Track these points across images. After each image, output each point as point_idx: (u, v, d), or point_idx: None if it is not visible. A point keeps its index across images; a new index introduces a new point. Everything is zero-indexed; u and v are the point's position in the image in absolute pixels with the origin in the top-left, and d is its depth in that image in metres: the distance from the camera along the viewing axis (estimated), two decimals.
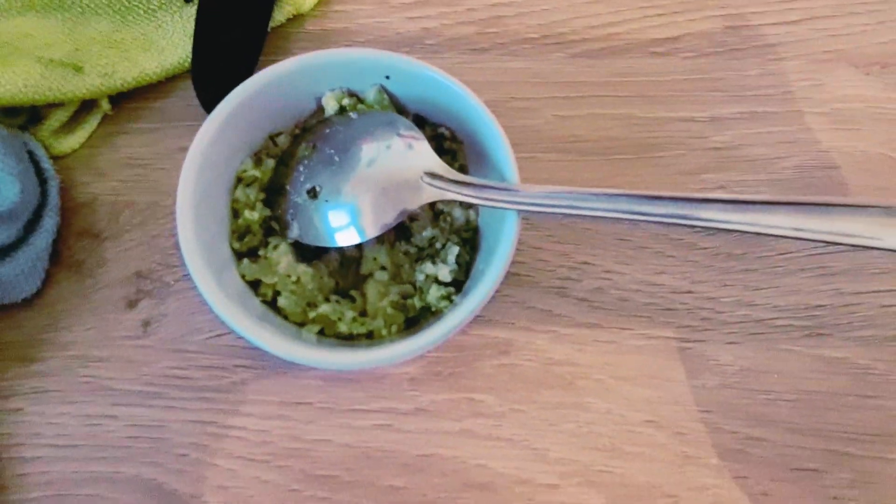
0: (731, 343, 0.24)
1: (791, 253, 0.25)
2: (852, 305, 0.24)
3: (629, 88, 0.27)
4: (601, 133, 0.27)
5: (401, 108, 0.23)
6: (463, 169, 0.23)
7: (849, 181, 0.26)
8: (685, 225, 0.19)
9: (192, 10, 0.26)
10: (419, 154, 0.21)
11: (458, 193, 0.20)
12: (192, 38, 0.26)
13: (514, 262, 0.21)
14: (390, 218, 0.20)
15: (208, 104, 0.24)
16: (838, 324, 0.24)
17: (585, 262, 0.25)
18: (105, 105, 0.26)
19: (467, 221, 0.22)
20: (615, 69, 0.27)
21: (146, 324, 0.24)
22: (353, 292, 0.22)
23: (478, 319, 0.23)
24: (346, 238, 0.21)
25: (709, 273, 0.25)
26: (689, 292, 0.25)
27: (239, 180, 0.22)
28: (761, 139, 0.27)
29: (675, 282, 0.25)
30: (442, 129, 0.23)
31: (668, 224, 0.19)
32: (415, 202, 0.20)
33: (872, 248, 0.18)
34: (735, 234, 0.20)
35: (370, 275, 0.22)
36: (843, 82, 0.28)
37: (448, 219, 0.22)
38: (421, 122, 0.23)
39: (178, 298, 0.24)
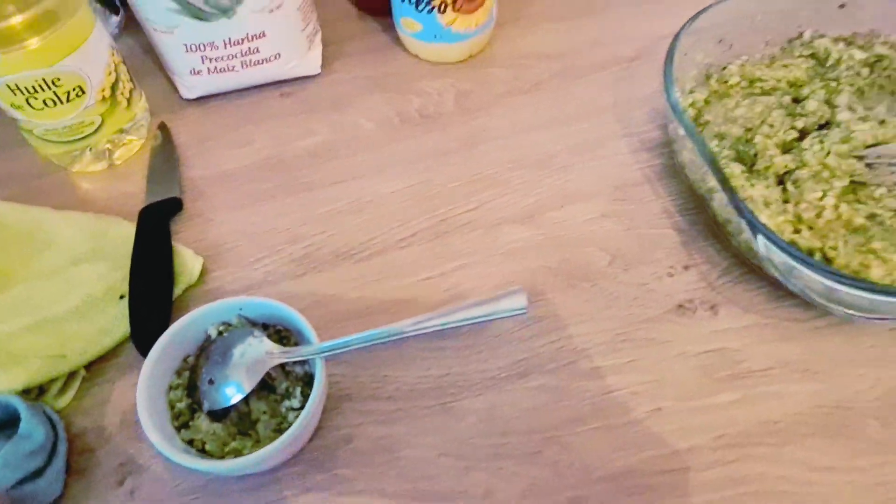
0: (478, 396, 0.41)
1: (500, 335, 0.43)
2: (540, 354, 0.42)
3: (386, 272, 0.46)
4: (372, 301, 0.45)
5: (253, 323, 0.41)
6: (288, 343, 0.41)
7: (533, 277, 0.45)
8: (411, 336, 0.37)
9: (125, 302, 0.44)
10: (265, 344, 0.38)
11: (287, 357, 0.37)
12: (128, 318, 0.43)
13: (338, 384, 0.39)
14: (256, 380, 0.38)
15: (143, 351, 0.41)
16: (535, 365, 0.42)
17: (385, 375, 0.42)
18: (82, 371, 0.43)
19: (305, 372, 0.40)
20: (377, 263, 0.47)
21: (132, 492, 0.39)
22: (250, 432, 0.38)
23: (327, 425, 0.39)
24: (235, 398, 0.37)
25: (456, 360, 0.43)
26: (447, 374, 0.42)
27: (170, 388, 0.39)
28: (467, 276, 0.46)
29: (438, 371, 0.42)
30: (278, 327, 0.41)
31: (408, 336, 0.37)
32: (267, 367, 0.38)
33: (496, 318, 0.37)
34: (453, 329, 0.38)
35: (258, 420, 0.38)
36: (507, 232, 0.48)
37: (292, 373, 0.39)
38: (266, 326, 0.41)
39: (150, 470, 0.39)
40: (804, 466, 0.38)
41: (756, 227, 0.39)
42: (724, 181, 0.41)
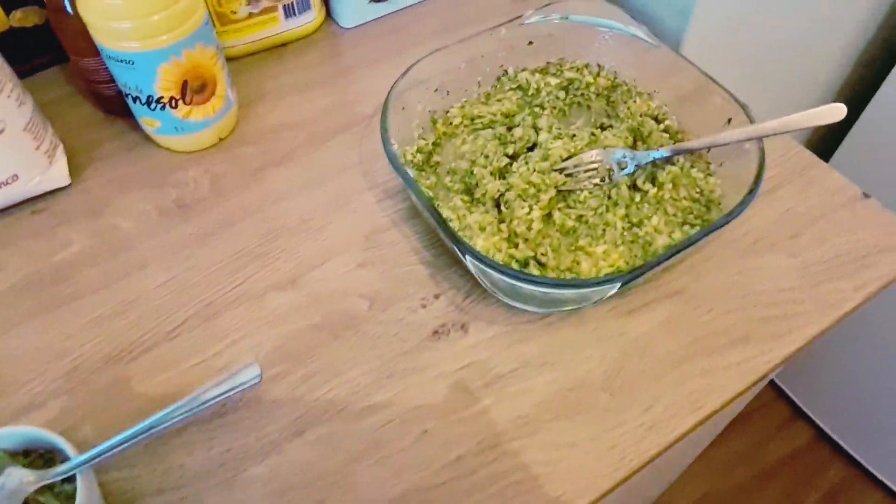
0: (260, 462, 0.43)
1: (276, 399, 0.46)
2: (315, 407, 0.45)
3: (158, 366, 0.48)
4: (145, 400, 0.46)
5: (14, 452, 0.40)
6: (54, 464, 0.41)
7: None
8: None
9: None
10: (19, 472, 0.38)
11: (43, 480, 0.38)
12: None
13: (123, 489, 0.39)
14: None
15: None
16: (311, 419, 0.45)
17: (171, 465, 0.43)
18: None
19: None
20: (148, 360, 0.48)
21: None
22: None
23: None
24: None
25: (236, 433, 0.45)
26: (229, 449, 0.44)
27: None
28: (239, 352, 0.48)
29: (221, 447, 0.44)
30: (41, 451, 0.41)
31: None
32: (24, 495, 0.38)
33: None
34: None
35: None
36: (273, 299, 0.51)
37: (63, 492, 0.39)
38: (28, 452, 0.41)
39: None
40: (552, 447, 0.43)
41: (462, 249, 0.45)
42: (437, 217, 0.47)
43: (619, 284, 0.43)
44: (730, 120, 0.53)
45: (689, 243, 0.45)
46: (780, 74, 0.94)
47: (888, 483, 1.28)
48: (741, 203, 0.47)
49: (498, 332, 0.49)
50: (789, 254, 0.52)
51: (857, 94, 1.06)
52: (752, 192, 0.47)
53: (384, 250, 0.53)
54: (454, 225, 0.50)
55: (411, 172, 0.54)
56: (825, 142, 1.12)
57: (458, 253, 0.45)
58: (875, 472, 1.30)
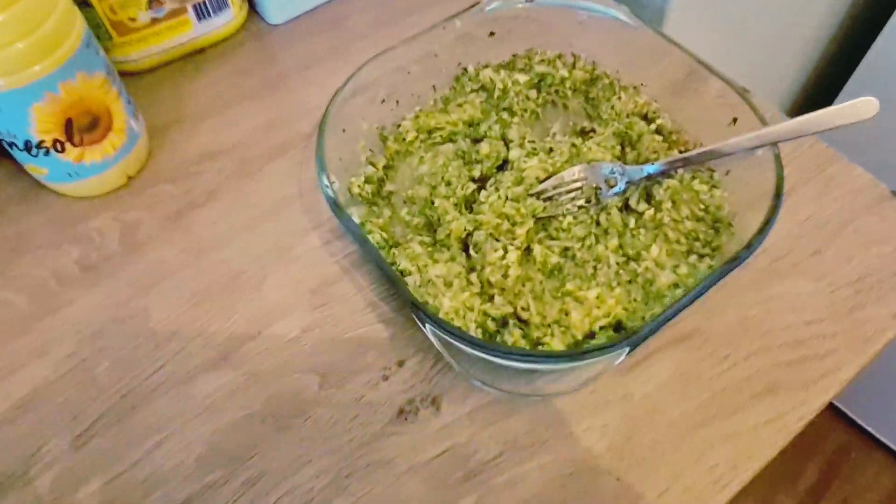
0: None
1: None
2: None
3: (62, 488, 0.39)
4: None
5: None
6: None
7: None
8: None
9: None
10: None
11: None
12: None
13: None
14: None
15: None
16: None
17: None
18: None
19: None
20: (47, 482, 0.39)
21: None
22: None
23: None
24: None
25: None
26: None
27: None
28: (166, 456, 0.39)
29: None
30: None
31: None
32: None
33: None
34: None
35: None
36: (204, 383, 0.42)
37: None
38: None
39: None
40: None
41: (421, 316, 0.36)
42: (392, 277, 0.38)
43: (626, 350, 0.35)
44: (735, 119, 0.44)
45: (702, 290, 0.37)
46: (767, 38, 0.84)
47: (890, 445, 1.25)
48: (760, 231, 0.38)
49: (476, 405, 0.40)
50: (814, 276, 0.44)
51: (847, 51, 0.98)
52: (770, 218, 0.39)
53: (335, 308, 0.44)
54: (413, 280, 0.41)
55: (359, 211, 0.45)
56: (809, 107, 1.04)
57: (418, 321, 0.37)
58: (877, 435, 1.27)
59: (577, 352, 0.37)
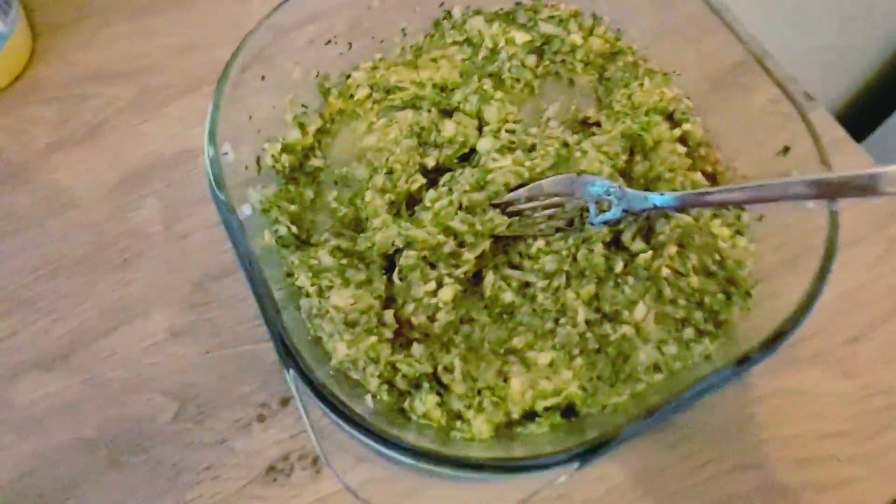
0: None
1: None
2: None
3: None
4: None
5: None
6: None
7: None
8: None
9: None
10: None
11: None
12: None
13: None
14: None
15: None
16: None
17: None
18: None
19: None
20: None
21: None
22: None
23: None
24: None
25: None
26: None
27: None
28: None
29: None
30: None
31: None
32: None
33: None
34: None
35: None
36: (31, 385, 0.33)
37: None
38: None
39: None
40: None
41: (286, 363, 0.26)
42: (258, 297, 0.27)
43: (575, 466, 0.25)
44: (787, 149, 0.32)
45: (694, 396, 0.26)
46: (831, 28, 0.69)
47: None
48: (793, 321, 0.27)
49: (368, 477, 0.31)
50: (845, 372, 0.34)
51: None
52: (813, 296, 0.28)
53: (217, 311, 0.34)
54: (308, 306, 0.30)
55: (272, 188, 0.34)
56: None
57: (282, 366, 0.27)
58: None
59: (510, 464, 0.26)
